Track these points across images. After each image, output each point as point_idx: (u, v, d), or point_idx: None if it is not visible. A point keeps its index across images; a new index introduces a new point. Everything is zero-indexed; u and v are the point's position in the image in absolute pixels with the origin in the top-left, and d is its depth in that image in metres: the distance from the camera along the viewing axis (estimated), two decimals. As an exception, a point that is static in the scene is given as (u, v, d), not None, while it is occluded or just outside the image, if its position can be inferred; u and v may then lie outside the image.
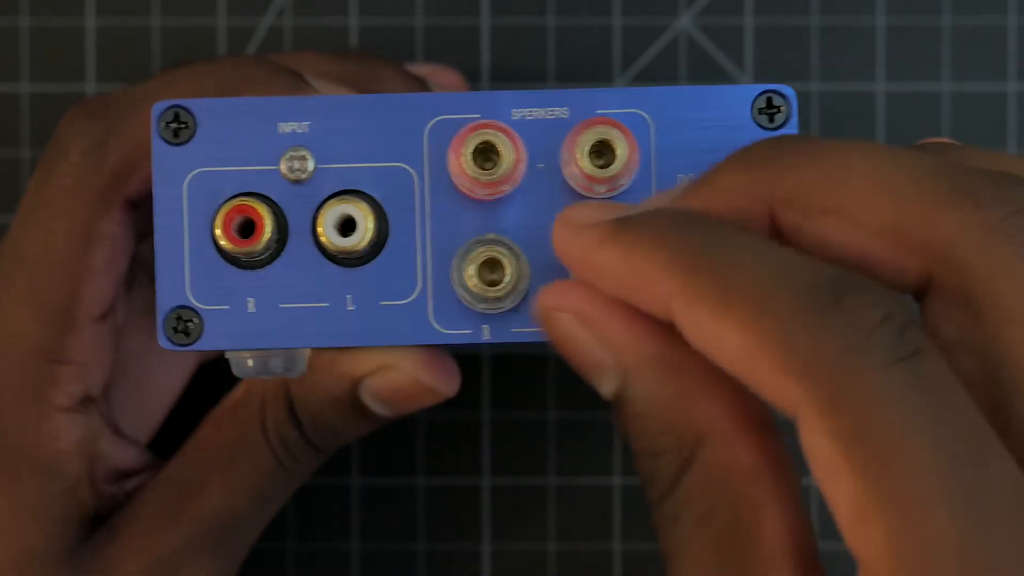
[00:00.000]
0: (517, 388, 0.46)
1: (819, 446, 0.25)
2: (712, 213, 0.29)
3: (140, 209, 0.38)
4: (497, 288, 0.32)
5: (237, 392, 0.39)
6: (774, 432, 0.29)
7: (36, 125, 0.46)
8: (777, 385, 0.26)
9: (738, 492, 0.28)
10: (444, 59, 0.46)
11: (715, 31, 0.46)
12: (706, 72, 0.46)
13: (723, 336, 0.26)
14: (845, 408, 0.25)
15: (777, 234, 0.29)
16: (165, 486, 0.39)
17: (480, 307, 0.33)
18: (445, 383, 0.38)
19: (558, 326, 0.30)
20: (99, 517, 0.39)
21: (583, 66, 0.46)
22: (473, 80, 0.45)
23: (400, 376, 0.38)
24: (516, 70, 0.46)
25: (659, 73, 0.46)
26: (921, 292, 0.28)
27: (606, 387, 0.30)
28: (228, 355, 0.34)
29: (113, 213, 0.37)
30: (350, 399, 0.38)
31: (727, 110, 0.33)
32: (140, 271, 0.41)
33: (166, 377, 0.43)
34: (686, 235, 0.28)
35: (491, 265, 0.32)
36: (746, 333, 0.26)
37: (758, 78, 0.46)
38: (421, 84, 0.41)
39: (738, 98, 0.33)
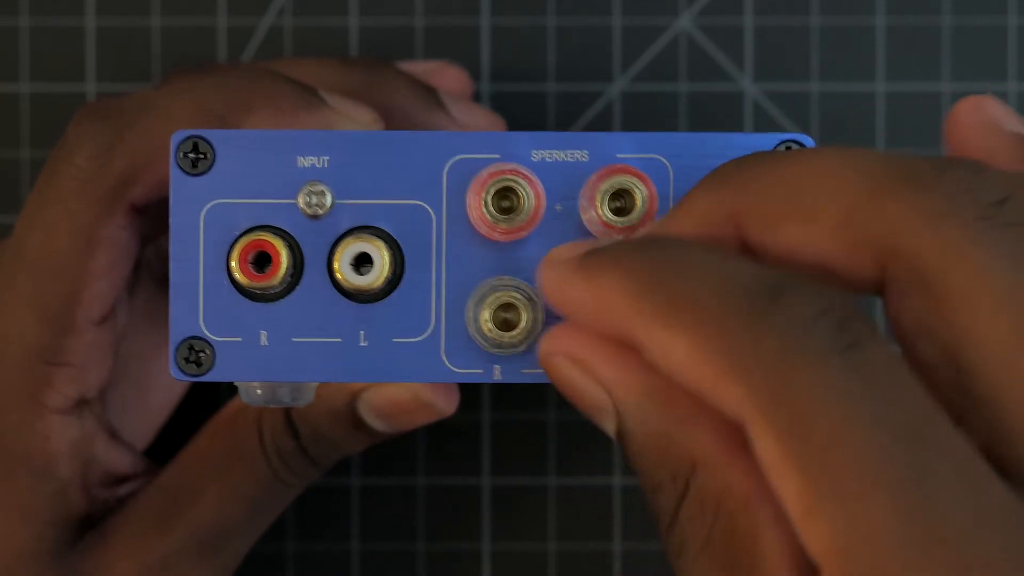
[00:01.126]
0: (517, 388, 0.46)
1: (763, 447, 0.25)
2: (684, 237, 0.29)
3: (145, 214, 0.37)
4: (512, 334, 0.32)
5: (235, 402, 0.39)
6: None
7: (36, 125, 0.46)
8: (721, 390, 0.26)
9: (734, 518, 0.28)
10: (444, 59, 0.46)
11: (715, 31, 0.46)
12: (706, 72, 0.46)
13: (673, 347, 0.26)
14: (783, 405, 0.25)
15: (748, 253, 0.29)
16: (159, 492, 0.39)
17: (493, 350, 0.33)
18: (444, 400, 0.38)
19: (556, 370, 0.30)
20: (91, 521, 0.39)
21: (583, 66, 0.46)
22: (473, 80, 0.45)
23: (400, 391, 0.38)
24: (516, 70, 0.46)
25: (659, 73, 0.46)
26: (880, 286, 0.28)
27: (608, 426, 0.30)
28: (237, 383, 0.34)
29: (117, 218, 0.37)
30: (348, 412, 0.38)
31: None
32: (144, 275, 0.41)
33: (166, 380, 0.43)
34: (641, 256, 0.28)
35: (506, 308, 0.32)
36: (689, 341, 0.26)
37: (758, 78, 0.46)
38: (430, 92, 0.41)
39: (757, 147, 0.33)
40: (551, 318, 0.33)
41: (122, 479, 0.40)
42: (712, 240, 0.29)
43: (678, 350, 0.26)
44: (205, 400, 0.45)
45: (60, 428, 0.38)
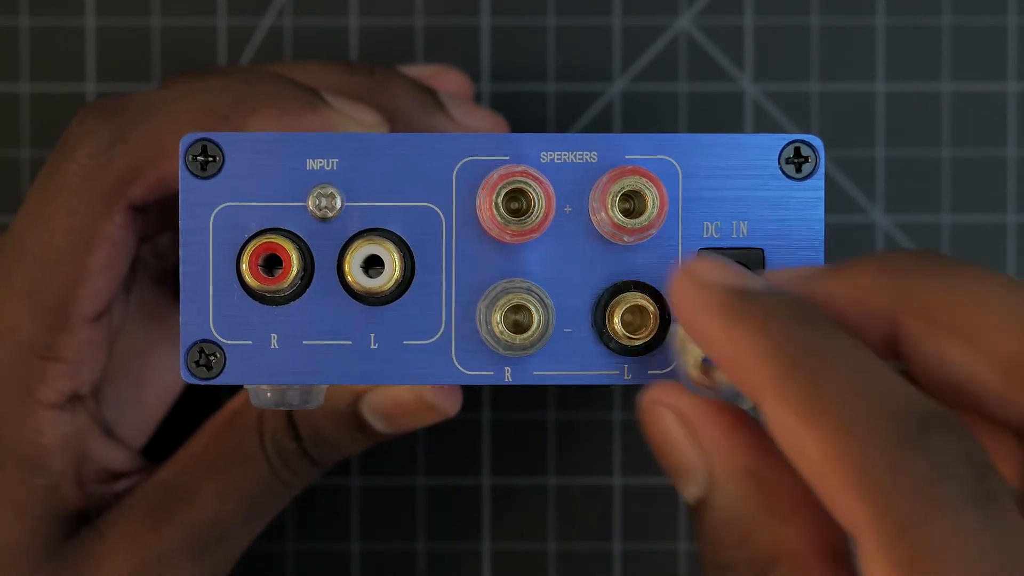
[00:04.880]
0: (518, 389, 0.46)
1: (874, 572, 0.25)
2: (835, 303, 0.29)
3: (144, 213, 0.38)
4: (523, 336, 0.32)
5: (235, 401, 0.39)
6: (847, 565, 0.29)
7: (36, 125, 0.46)
8: (847, 504, 0.26)
9: None
10: (444, 59, 0.46)
11: (715, 31, 0.46)
12: (706, 72, 0.46)
13: (804, 442, 0.26)
14: (910, 539, 0.25)
15: (892, 344, 0.30)
16: (156, 489, 0.39)
17: (505, 352, 0.33)
18: (447, 401, 0.38)
19: (658, 421, 0.30)
20: (87, 516, 0.39)
21: (583, 66, 0.46)
22: (473, 80, 0.45)
23: (403, 392, 0.38)
24: (516, 70, 0.46)
25: (659, 73, 0.46)
26: None
27: (691, 491, 0.30)
28: (247, 385, 0.34)
29: (116, 216, 0.37)
30: (351, 414, 0.38)
31: (754, 159, 0.33)
32: (142, 273, 0.41)
33: (164, 378, 0.43)
34: (793, 329, 0.28)
35: (517, 310, 0.32)
36: (828, 445, 0.26)
37: (758, 78, 0.46)
38: (431, 95, 0.41)
39: (765, 147, 0.33)
40: (562, 317, 0.33)
41: (118, 475, 0.40)
42: (864, 316, 0.29)
43: (812, 448, 0.26)
44: (204, 399, 0.45)
45: (52, 423, 0.38)
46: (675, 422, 0.30)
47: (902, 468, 0.25)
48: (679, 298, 0.30)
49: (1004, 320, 0.28)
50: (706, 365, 0.31)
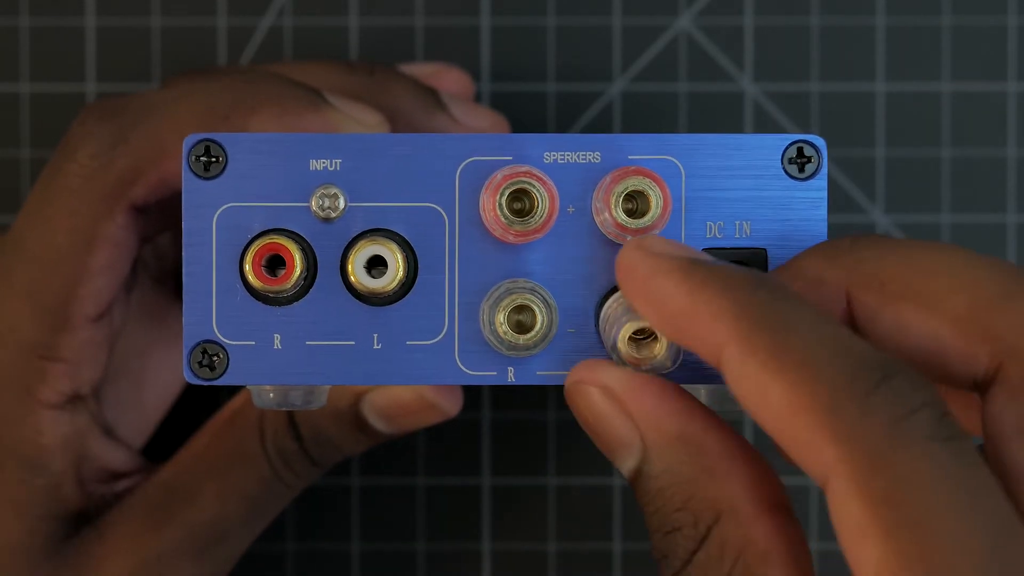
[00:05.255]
0: (518, 388, 0.46)
1: (849, 509, 0.26)
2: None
3: (145, 214, 0.38)
4: (527, 336, 0.32)
5: (236, 401, 0.39)
6: (790, 514, 0.30)
7: (36, 125, 0.46)
8: (814, 446, 0.27)
9: (750, 570, 0.29)
10: (444, 59, 0.46)
11: (715, 31, 0.46)
12: (706, 72, 0.46)
13: (769, 391, 0.27)
14: (882, 471, 0.26)
15: (851, 321, 0.31)
16: (157, 489, 0.39)
17: (508, 352, 0.33)
18: (448, 401, 0.38)
19: (585, 400, 0.31)
20: (87, 516, 0.39)
21: (583, 66, 0.46)
22: (473, 80, 0.45)
23: (404, 392, 0.38)
24: (516, 70, 0.46)
25: (659, 73, 0.46)
26: (988, 381, 0.29)
27: (628, 464, 0.31)
28: (249, 386, 0.34)
29: (117, 217, 0.37)
30: (352, 414, 0.38)
31: (757, 159, 0.33)
32: (142, 273, 0.41)
33: (164, 377, 0.43)
34: (754, 291, 0.29)
35: (520, 310, 0.32)
36: (795, 393, 0.27)
37: (758, 78, 0.46)
38: (432, 95, 0.41)
39: (769, 147, 0.33)
40: (566, 317, 0.33)
41: (118, 475, 0.40)
42: (818, 303, 0.30)
43: (775, 395, 0.27)
44: (204, 399, 0.45)
45: (52, 423, 0.38)
46: (602, 398, 0.31)
47: (869, 409, 0.26)
48: (633, 265, 0.30)
49: (952, 278, 0.30)
50: (636, 341, 0.32)
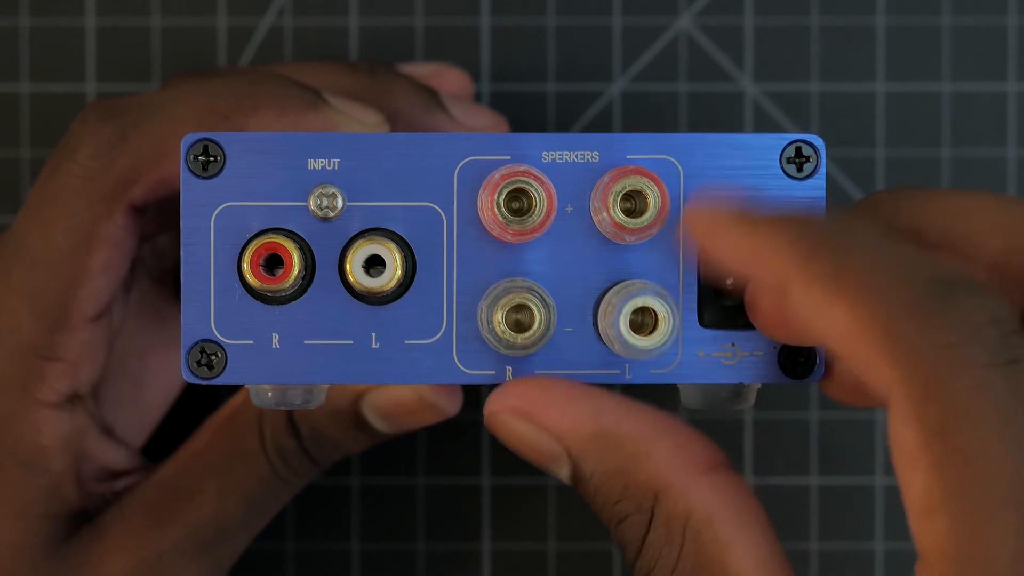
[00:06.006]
0: (517, 388, 0.46)
1: (904, 434, 0.26)
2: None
3: (144, 214, 0.38)
4: (525, 335, 0.32)
5: (235, 400, 0.39)
6: (727, 470, 0.30)
7: (36, 125, 0.46)
8: (876, 367, 0.26)
9: (699, 537, 0.29)
10: (444, 59, 0.46)
11: (715, 31, 0.46)
12: (706, 72, 0.46)
13: (832, 315, 0.27)
14: (938, 400, 0.26)
15: None
16: (156, 489, 0.39)
17: (506, 351, 0.33)
18: (448, 401, 0.38)
19: (505, 427, 0.32)
20: (87, 515, 0.39)
21: (583, 66, 0.46)
22: (473, 80, 0.45)
23: (404, 392, 0.38)
24: (516, 70, 0.46)
25: (659, 73, 0.46)
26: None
27: (563, 472, 0.32)
28: (248, 385, 0.34)
29: (116, 217, 0.37)
30: (352, 413, 0.38)
31: (756, 159, 0.33)
32: (141, 273, 0.41)
33: (164, 377, 0.43)
34: (809, 223, 0.29)
35: (518, 309, 0.32)
36: (855, 314, 0.27)
37: (758, 78, 0.46)
38: (431, 94, 0.41)
39: (767, 147, 0.33)
40: (565, 315, 0.33)
41: (117, 474, 0.40)
42: None
43: (838, 319, 0.27)
44: (204, 398, 0.45)
45: (51, 422, 0.38)
46: (517, 421, 0.32)
47: (930, 329, 0.26)
48: (696, 218, 0.31)
49: (982, 224, 0.30)
50: (638, 329, 0.32)
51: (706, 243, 0.31)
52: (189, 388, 0.44)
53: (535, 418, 0.31)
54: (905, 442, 0.26)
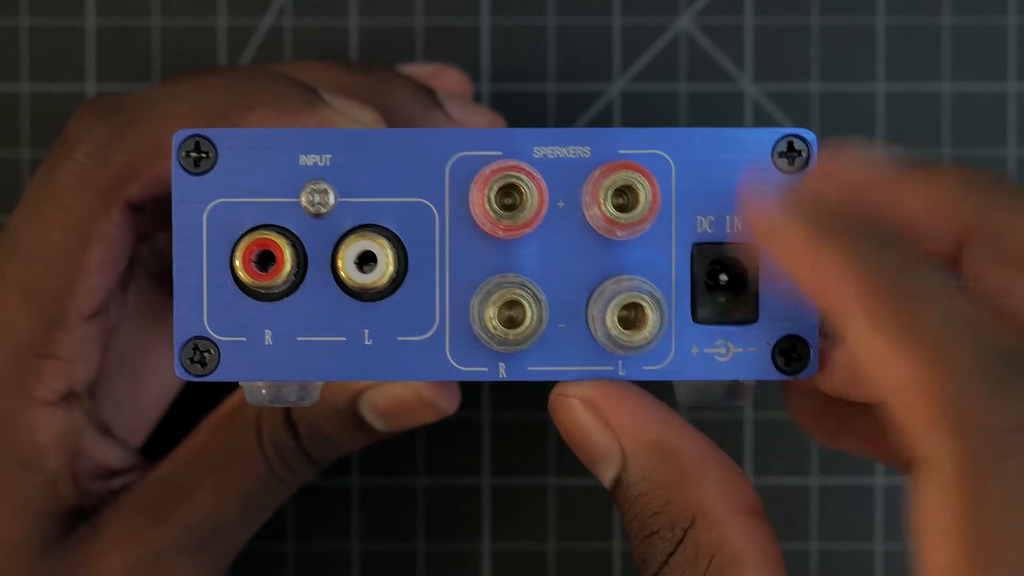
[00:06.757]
0: (517, 388, 0.46)
1: (939, 503, 0.26)
2: (910, 206, 0.30)
3: (141, 212, 0.38)
4: (517, 331, 0.32)
5: (233, 399, 0.40)
6: (763, 519, 0.30)
7: (36, 125, 0.46)
8: (925, 431, 0.26)
9: (722, 571, 0.30)
10: (444, 59, 0.46)
11: (715, 31, 0.46)
12: (706, 72, 0.46)
13: (892, 364, 0.27)
14: (987, 485, 0.25)
15: (951, 260, 0.30)
16: (154, 486, 0.39)
17: (498, 347, 0.33)
18: (446, 399, 0.38)
19: (567, 410, 0.32)
20: (83, 514, 0.39)
21: (583, 66, 0.46)
22: (473, 80, 0.45)
23: (402, 390, 0.38)
24: (516, 70, 0.46)
25: (659, 73, 0.46)
26: None
27: (608, 473, 0.32)
28: (242, 382, 0.34)
29: (112, 214, 0.37)
30: (350, 412, 0.38)
31: (748, 153, 0.33)
32: (140, 272, 0.41)
33: (162, 376, 0.43)
34: (883, 249, 0.28)
35: (511, 306, 0.32)
36: (918, 372, 0.26)
37: (758, 78, 0.46)
38: (430, 94, 0.41)
39: (759, 141, 0.33)
40: (556, 312, 0.33)
41: (114, 472, 0.40)
42: (933, 234, 0.29)
43: (900, 371, 0.26)
44: (202, 396, 0.45)
45: (47, 420, 0.38)
46: (583, 409, 0.32)
47: (995, 411, 0.25)
48: (758, 213, 0.30)
49: None
50: (625, 324, 0.32)
51: (762, 233, 0.30)
52: (187, 387, 0.44)
53: (604, 411, 0.32)
54: (939, 512, 0.26)
